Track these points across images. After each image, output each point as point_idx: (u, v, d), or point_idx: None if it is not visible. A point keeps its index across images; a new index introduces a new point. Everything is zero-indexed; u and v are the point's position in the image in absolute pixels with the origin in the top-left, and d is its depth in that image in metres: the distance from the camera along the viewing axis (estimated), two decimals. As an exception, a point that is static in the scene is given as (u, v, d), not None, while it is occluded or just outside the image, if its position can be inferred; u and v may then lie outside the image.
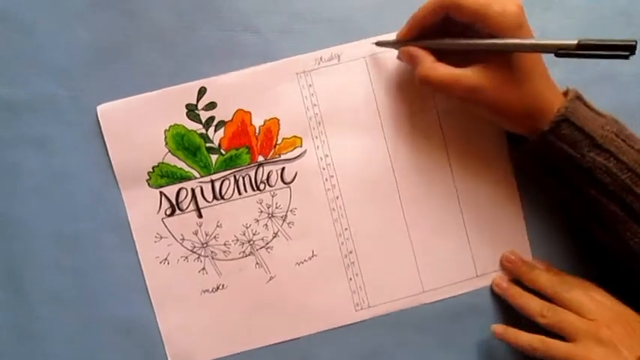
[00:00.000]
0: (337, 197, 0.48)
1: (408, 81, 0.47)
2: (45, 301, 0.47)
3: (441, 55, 0.43)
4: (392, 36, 0.46)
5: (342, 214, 0.48)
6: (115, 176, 0.47)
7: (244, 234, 0.48)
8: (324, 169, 0.47)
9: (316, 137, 0.47)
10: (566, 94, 0.43)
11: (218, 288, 0.48)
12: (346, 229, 0.48)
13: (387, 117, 0.48)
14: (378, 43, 0.46)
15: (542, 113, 0.41)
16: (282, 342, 0.48)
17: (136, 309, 0.48)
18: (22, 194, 0.47)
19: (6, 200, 0.47)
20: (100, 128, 0.47)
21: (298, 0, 0.47)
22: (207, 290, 0.48)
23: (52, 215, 0.47)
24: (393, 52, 0.47)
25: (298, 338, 0.48)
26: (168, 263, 0.47)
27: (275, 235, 0.48)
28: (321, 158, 0.47)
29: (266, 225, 0.48)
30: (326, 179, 0.47)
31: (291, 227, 0.48)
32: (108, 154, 0.47)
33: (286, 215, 0.48)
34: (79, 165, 0.47)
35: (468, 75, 0.41)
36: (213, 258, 0.48)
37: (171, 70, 0.47)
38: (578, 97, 0.42)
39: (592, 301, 0.43)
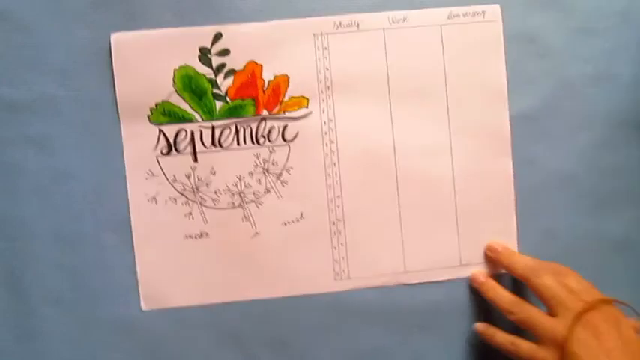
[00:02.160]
0: (334, 164, 0.47)
1: (423, 60, 0.47)
2: (45, 301, 0.47)
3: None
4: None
5: (336, 181, 0.47)
6: (118, 113, 0.47)
7: (236, 185, 0.47)
8: (326, 133, 0.47)
9: (323, 101, 0.47)
10: None
11: (202, 235, 0.47)
12: (338, 196, 0.48)
13: (397, 92, 0.48)
14: None
15: None
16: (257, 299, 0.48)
17: (136, 309, 0.47)
18: (22, 194, 0.47)
19: (6, 200, 0.47)
20: (99, 124, 0.47)
21: (298, 0, 0.47)
22: (190, 236, 0.47)
23: (52, 215, 0.47)
24: (411, 30, 0.47)
25: (275, 299, 0.48)
26: (155, 202, 0.47)
27: (267, 191, 0.47)
28: (325, 122, 0.47)
29: (259, 180, 0.47)
30: (326, 144, 0.47)
31: (284, 186, 0.47)
32: (107, 154, 0.47)
33: (281, 173, 0.47)
34: (79, 165, 0.47)
35: None
36: (201, 204, 0.47)
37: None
38: None
39: (563, 288, 0.43)
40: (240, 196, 0.47)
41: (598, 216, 0.49)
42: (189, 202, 0.47)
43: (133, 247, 0.47)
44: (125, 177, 0.47)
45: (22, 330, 0.47)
